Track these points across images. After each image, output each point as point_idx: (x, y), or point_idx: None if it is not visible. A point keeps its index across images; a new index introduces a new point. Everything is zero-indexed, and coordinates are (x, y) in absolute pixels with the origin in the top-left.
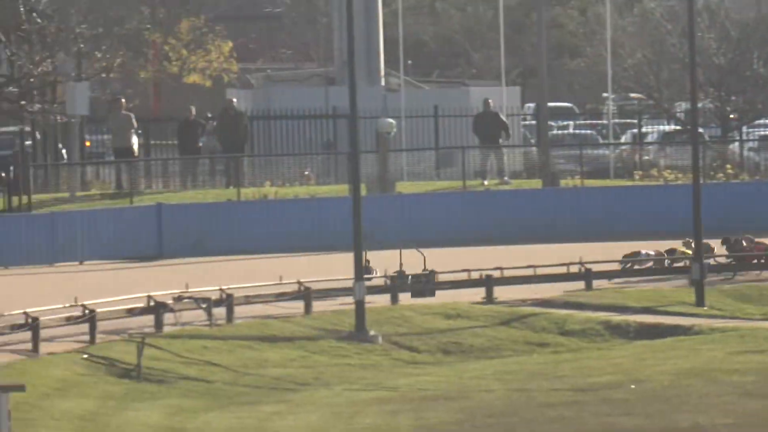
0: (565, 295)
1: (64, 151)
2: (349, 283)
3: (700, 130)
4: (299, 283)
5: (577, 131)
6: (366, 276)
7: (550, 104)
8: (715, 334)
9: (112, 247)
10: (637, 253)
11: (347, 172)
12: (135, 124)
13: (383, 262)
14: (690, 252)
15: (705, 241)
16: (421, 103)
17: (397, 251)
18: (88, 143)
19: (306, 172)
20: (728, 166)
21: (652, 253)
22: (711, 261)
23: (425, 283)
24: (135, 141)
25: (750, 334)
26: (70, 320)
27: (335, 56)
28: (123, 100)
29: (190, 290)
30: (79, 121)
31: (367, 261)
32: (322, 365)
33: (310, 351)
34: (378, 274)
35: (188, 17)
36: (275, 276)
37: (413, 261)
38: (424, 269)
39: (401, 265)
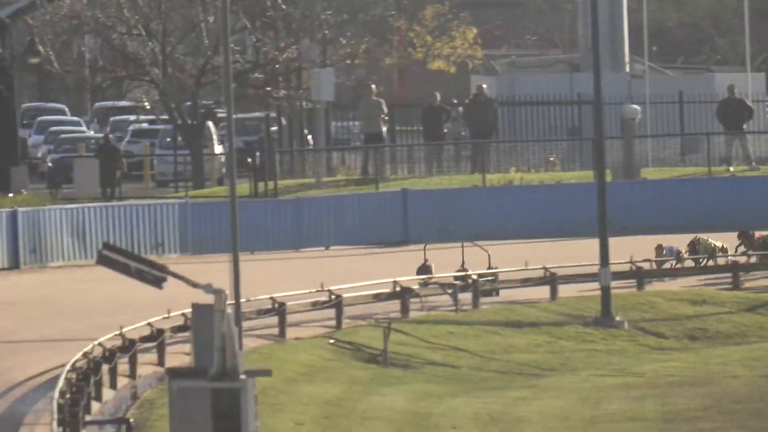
0: None
1: (309, 136)
2: (594, 269)
3: None
4: (545, 268)
5: None
6: (425, 276)
7: None
8: None
9: (357, 232)
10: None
11: (592, 158)
12: (385, 110)
13: (626, 248)
14: (716, 244)
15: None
16: (666, 89)
17: (645, 237)
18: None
19: (551, 158)
20: None
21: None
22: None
23: (492, 283)
24: (384, 127)
25: None
26: (316, 305)
27: (579, 42)
28: (373, 86)
29: (435, 275)
30: (325, 107)
31: (426, 260)
32: (568, 351)
33: (556, 336)
34: (436, 273)
35: (433, 4)
36: (520, 261)
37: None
38: (489, 267)
39: (463, 263)
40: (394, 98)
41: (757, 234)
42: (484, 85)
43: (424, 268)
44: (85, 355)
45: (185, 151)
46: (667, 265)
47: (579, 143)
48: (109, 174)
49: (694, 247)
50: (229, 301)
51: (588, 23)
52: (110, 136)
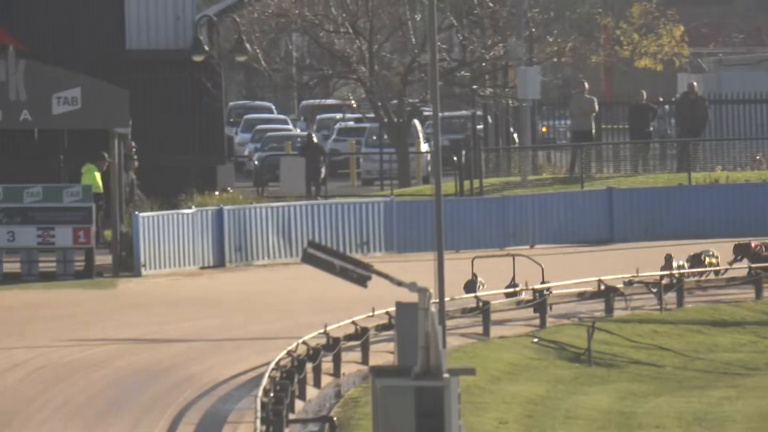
0: None
1: (515, 135)
2: None
3: None
4: (749, 267)
5: None
6: (473, 293)
7: None
8: None
9: (562, 231)
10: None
11: None
12: (596, 108)
13: None
14: (715, 260)
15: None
16: None
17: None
18: (544, 129)
19: (757, 157)
20: None
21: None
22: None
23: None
24: (594, 125)
25: None
26: (520, 304)
27: None
28: (586, 84)
29: (640, 274)
30: (531, 105)
31: (474, 275)
32: None
33: (761, 336)
34: (484, 289)
35: (640, 1)
36: (724, 260)
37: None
38: (543, 281)
39: (514, 277)
40: (600, 96)
41: (754, 243)
42: (695, 84)
43: (471, 284)
44: (289, 353)
45: (391, 149)
46: None
47: None
48: (313, 172)
49: (699, 260)
50: (433, 300)
51: None
52: (313, 134)
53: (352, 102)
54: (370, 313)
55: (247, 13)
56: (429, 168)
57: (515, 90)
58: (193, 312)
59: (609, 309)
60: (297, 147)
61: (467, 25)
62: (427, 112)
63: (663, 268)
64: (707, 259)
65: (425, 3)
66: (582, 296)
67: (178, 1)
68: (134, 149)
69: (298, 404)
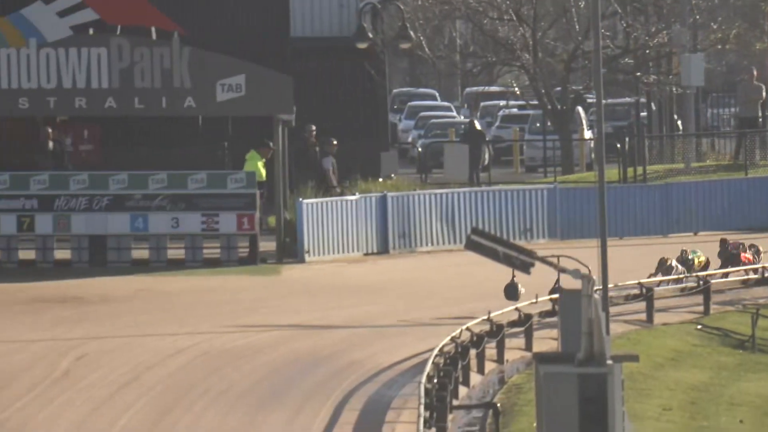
0: None
1: (679, 122)
2: None
3: None
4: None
5: None
6: (515, 299)
7: None
8: None
9: (726, 218)
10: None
11: None
12: (764, 95)
13: None
14: (703, 259)
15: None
16: None
17: None
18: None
19: None
20: None
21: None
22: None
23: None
24: (760, 113)
25: None
26: (684, 291)
27: None
28: (755, 71)
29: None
30: (694, 92)
31: (514, 276)
32: None
33: None
34: (523, 293)
35: None
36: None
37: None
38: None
39: (558, 280)
40: (765, 83)
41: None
42: None
43: (512, 287)
44: (453, 339)
45: (554, 136)
46: None
47: None
48: (474, 158)
49: (687, 261)
50: (596, 287)
51: None
52: (475, 120)
53: (516, 89)
54: (534, 300)
55: (411, 1)
56: (592, 155)
57: (679, 77)
58: (356, 298)
59: None
60: (459, 134)
61: (631, 12)
62: (591, 99)
63: (656, 271)
64: (696, 260)
65: None
66: (746, 283)
67: None
68: (314, 132)
69: (462, 390)
